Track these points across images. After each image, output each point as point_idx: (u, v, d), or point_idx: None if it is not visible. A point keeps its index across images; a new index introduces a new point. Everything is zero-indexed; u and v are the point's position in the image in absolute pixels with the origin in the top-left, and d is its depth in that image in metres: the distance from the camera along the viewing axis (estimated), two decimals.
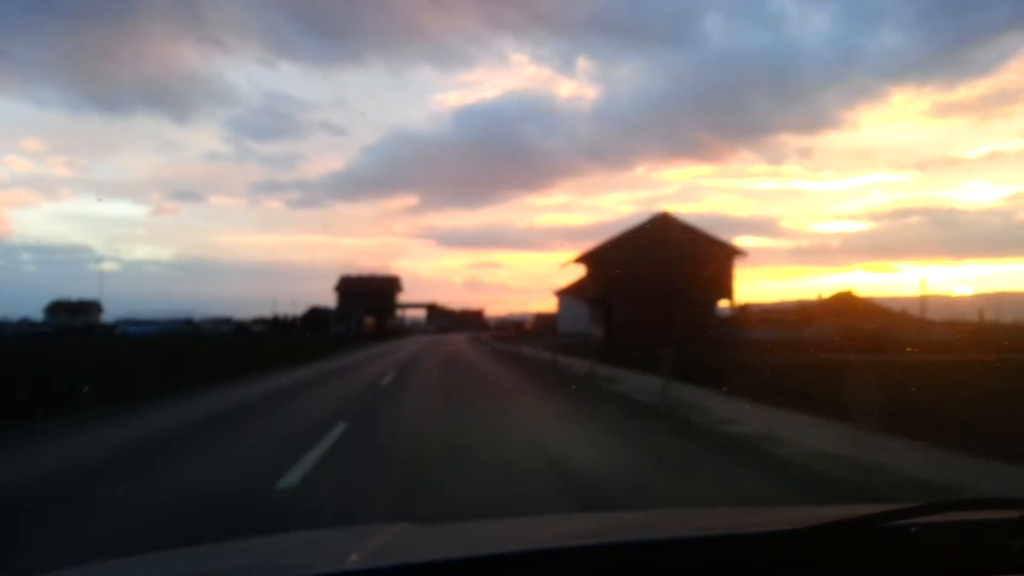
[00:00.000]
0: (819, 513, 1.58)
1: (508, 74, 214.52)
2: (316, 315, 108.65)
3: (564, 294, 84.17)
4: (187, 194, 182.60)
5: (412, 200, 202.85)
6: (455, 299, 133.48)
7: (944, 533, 1.29)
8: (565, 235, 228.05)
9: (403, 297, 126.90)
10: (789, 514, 1.87)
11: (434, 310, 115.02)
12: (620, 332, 40.68)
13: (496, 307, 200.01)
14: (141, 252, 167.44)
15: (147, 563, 1.68)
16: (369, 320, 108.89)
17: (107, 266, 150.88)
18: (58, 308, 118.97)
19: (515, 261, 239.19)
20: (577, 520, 2.73)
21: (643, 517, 2.36)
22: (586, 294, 50.57)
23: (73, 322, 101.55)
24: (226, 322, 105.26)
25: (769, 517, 1.86)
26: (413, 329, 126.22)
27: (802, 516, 1.56)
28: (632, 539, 1.44)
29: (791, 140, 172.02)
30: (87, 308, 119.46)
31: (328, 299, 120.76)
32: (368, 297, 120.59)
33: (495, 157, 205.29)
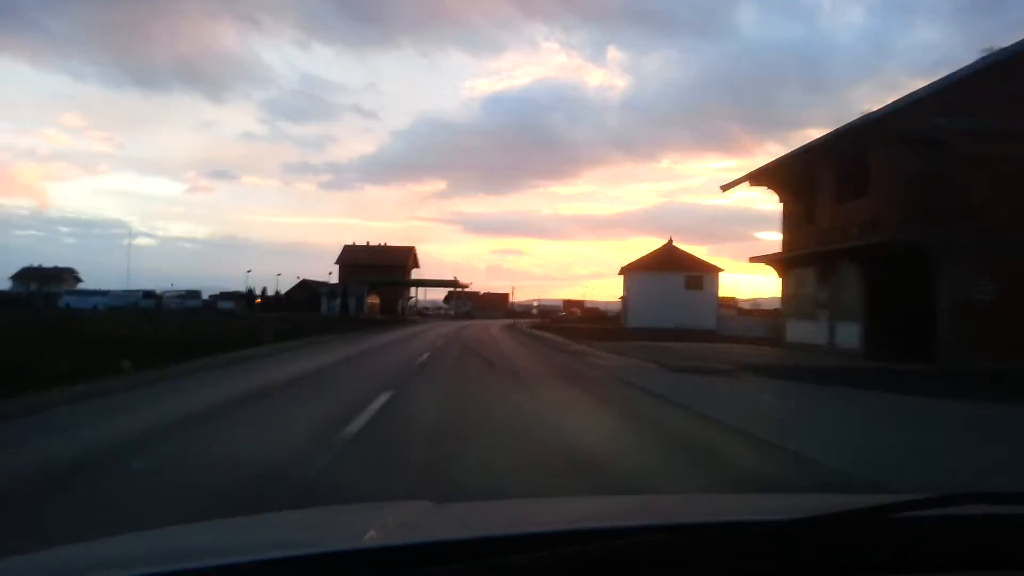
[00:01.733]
0: (833, 501, 1.75)
1: (538, 61, 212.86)
2: (304, 291, 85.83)
3: (641, 270, 60.83)
4: (222, 173, 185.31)
5: (440, 185, 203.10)
6: (478, 285, 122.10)
7: (958, 526, 1.29)
8: (588, 224, 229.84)
9: (421, 274, 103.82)
10: (799, 501, 2.03)
11: (455, 290, 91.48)
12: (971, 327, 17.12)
13: (518, 293, 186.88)
14: (176, 229, 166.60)
15: (164, 537, 1.69)
16: (373, 299, 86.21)
17: (143, 241, 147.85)
18: (27, 275, 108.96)
19: (538, 249, 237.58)
20: (594, 502, 2.54)
21: (659, 501, 2.49)
22: (810, 249, 26.04)
23: (43, 291, 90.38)
24: (193, 296, 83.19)
25: (779, 504, 1.94)
26: (429, 312, 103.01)
27: (814, 504, 1.69)
28: (648, 523, 1.47)
29: (818, 134, 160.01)
30: (61, 276, 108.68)
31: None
32: (375, 271, 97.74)
33: (522, 145, 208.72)
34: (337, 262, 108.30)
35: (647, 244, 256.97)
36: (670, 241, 62.16)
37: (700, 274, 59.29)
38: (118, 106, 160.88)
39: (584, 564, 1.09)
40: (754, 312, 66.35)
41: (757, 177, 24.05)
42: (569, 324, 67.44)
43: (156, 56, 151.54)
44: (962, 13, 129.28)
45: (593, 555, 1.11)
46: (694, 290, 58.91)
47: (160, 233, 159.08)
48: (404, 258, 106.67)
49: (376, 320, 61.91)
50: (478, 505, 2.27)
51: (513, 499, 3.65)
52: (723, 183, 25.48)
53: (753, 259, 26.51)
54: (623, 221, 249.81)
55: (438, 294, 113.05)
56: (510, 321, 79.14)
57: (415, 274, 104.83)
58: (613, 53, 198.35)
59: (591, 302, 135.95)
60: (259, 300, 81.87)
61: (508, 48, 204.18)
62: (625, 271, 63.53)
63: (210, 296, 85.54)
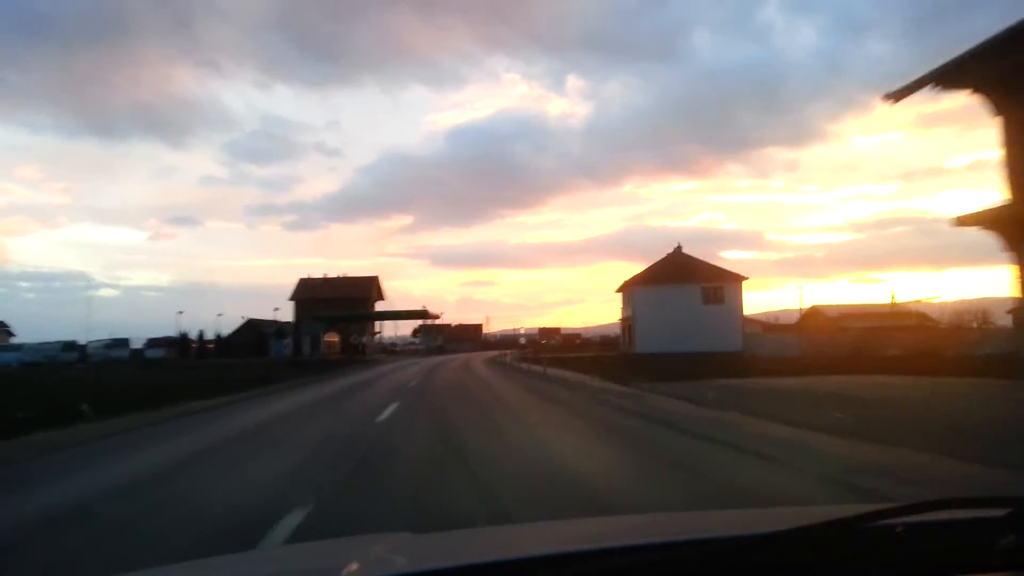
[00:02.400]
0: (810, 513, 1.69)
1: (500, 93, 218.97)
2: (250, 332, 74.52)
3: (647, 283, 50.95)
4: (184, 219, 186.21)
5: (406, 220, 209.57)
6: (448, 318, 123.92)
7: (933, 532, 1.31)
8: (556, 252, 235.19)
9: (388, 307, 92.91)
10: (779, 515, 2.03)
11: (425, 322, 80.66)
12: None
13: (490, 324, 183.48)
14: (139, 278, 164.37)
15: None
16: (331, 338, 75.23)
17: (106, 292, 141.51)
18: None
19: (507, 279, 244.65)
20: (575, 525, 2.56)
21: (636, 521, 2.46)
22: None
23: None
24: (120, 345, 71.50)
25: (759, 519, 1.92)
26: (397, 348, 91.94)
27: (792, 517, 1.69)
28: (627, 543, 1.46)
29: (777, 153, 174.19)
30: None
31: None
32: (335, 305, 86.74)
33: (488, 176, 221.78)
34: (292, 298, 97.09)
35: (615, 268, 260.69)
36: (678, 248, 52.44)
37: (719, 285, 49.51)
38: (75, 156, 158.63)
39: None
40: (778, 328, 56.72)
41: (950, 76, 14.18)
42: (562, 355, 57.23)
43: (114, 104, 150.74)
44: (912, 28, 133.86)
45: None
46: (713, 304, 49.11)
47: (123, 283, 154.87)
48: (366, 290, 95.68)
49: (332, 361, 51.10)
50: (457, 534, 2.23)
51: (492, 527, 3.60)
52: (888, 97, 15.37)
53: (961, 220, 16.13)
54: (590, 247, 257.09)
55: (407, 328, 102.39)
56: (494, 354, 68.68)
57: (380, 307, 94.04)
58: (573, 81, 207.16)
59: (568, 329, 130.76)
60: (194, 345, 70.23)
61: (470, 81, 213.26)
62: (627, 287, 53.60)
63: (97, 343, 74.05)
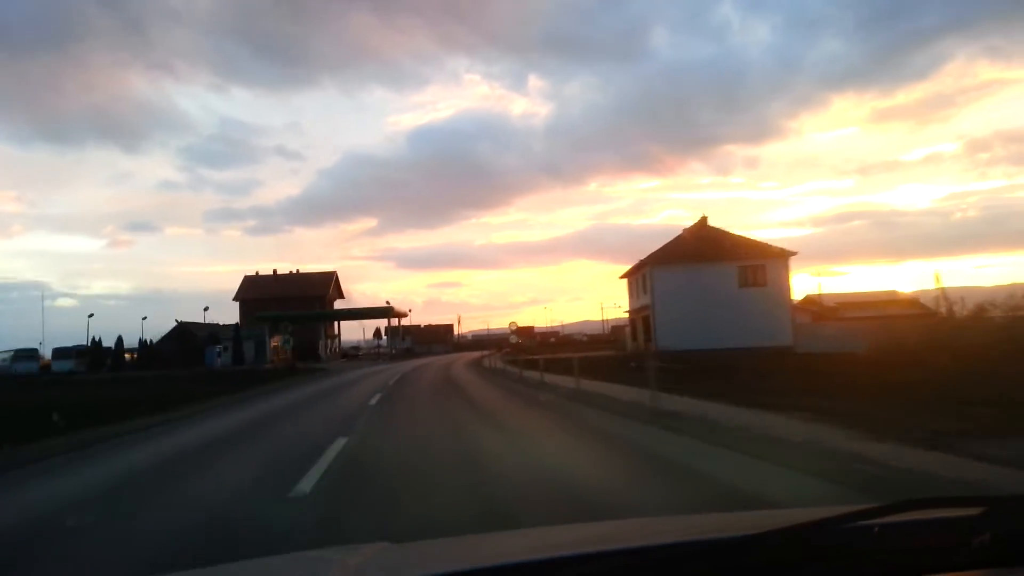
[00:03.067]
0: (790, 515, 1.72)
1: (461, 94, 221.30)
2: (180, 338, 62.97)
3: (669, 263, 41.04)
4: (142, 225, 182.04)
5: (371, 223, 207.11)
6: (416, 319, 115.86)
7: (908, 532, 1.31)
8: (523, 251, 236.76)
9: (348, 307, 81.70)
10: (759, 518, 2.03)
11: (391, 322, 69.70)
12: None
13: (461, 324, 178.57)
14: (98, 286, 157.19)
15: None
16: (276, 342, 64.07)
17: (64, 302, 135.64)
18: None
19: (475, 279, 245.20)
20: (554, 533, 2.44)
21: (616, 527, 2.43)
22: None
23: None
24: (28, 356, 59.62)
25: (738, 522, 1.98)
26: (360, 353, 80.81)
27: (771, 520, 1.64)
28: (606, 549, 1.47)
29: (737, 150, 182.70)
30: None
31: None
32: (288, 304, 75.41)
33: (451, 177, 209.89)
34: (236, 298, 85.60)
35: (582, 267, 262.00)
36: (704, 220, 42.57)
37: (760, 263, 39.71)
38: (28, 164, 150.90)
39: None
40: (824, 314, 47.04)
41: None
42: (554, 355, 47.12)
43: (66, 110, 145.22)
44: (864, 25, 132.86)
45: None
46: (754, 287, 39.27)
47: (81, 292, 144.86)
48: (323, 287, 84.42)
49: (271, 372, 40.17)
50: (435, 543, 2.14)
51: (471, 535, 3.40)
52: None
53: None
54: (556, 246, 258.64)
55: (373, 331, 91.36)
56: (474, 356, 58.22)
57: (341, 307, 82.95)
58: (534, 81, 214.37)
59: (540, 329, 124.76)
60: (130, 355, 58.44)
61: (431, 81, 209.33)
62: (640, 271, 43.63)
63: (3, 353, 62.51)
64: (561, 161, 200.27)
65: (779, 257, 39.45)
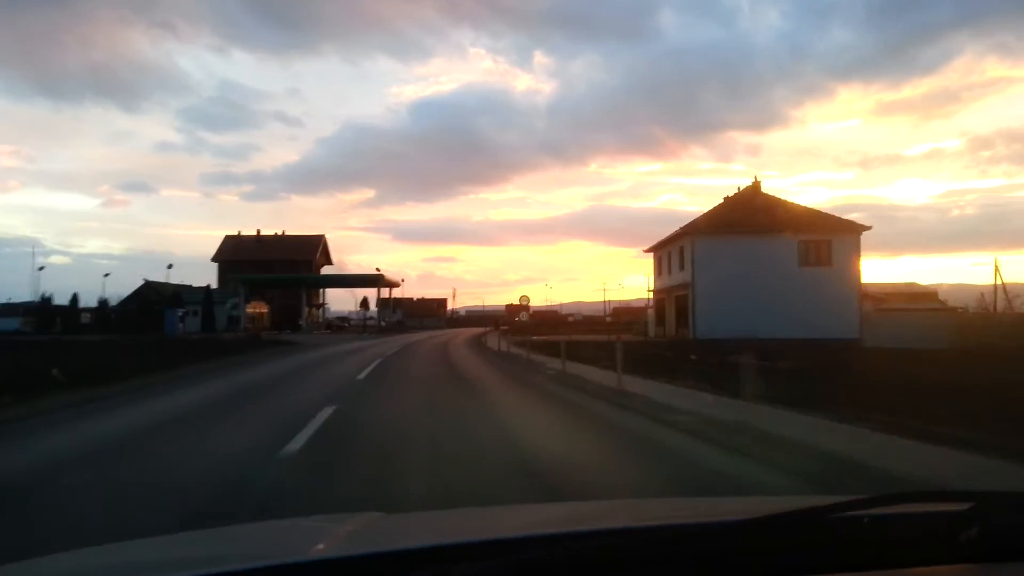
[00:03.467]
0: (778, 504, 1.73)
1: (465, 67, 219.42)
2: (140, 299, 56.27)
3: (716, 233, 34.50)
4: (138, 186, 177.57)
5: (368, 193, 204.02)
6: (410, 293, 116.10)
7: (896, 524, 1.31)
8: (520, 229, 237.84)
9: (336, 272, 74.95)
10: (749, 504, 2.06)
11: (380, 288, 63.00)
12: None
13: (456, 299, 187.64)
14: (92, 245, 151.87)
15: (115, 552, 1.65)
16: (258, 308, 57.62)
17: (57, 259, 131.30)
18: None
19: (470, 255, 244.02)
20: (544, 510, 2.60)
21: (608, 506, 2.43)
22: None
23: None
24: None
25: (728, 507, 1.98)
26: (348, 324, 74.17)
27: (761, 507, 1.69)
28: (595, 528, 1.50)
29: (740, 137, 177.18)
30: None
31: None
32: (272, 268, 68.78)
33: (451, 151, 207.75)
34: (215, 259, 78.77)
35: (578, 248, 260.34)
36: (757, 185, 36.01)
37: (826, 238, 33.23)
38: (27, 119, 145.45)
39: (532, 570, 1.09)
40: (882, 304, 40.58)
41: None
42: (557, 336, 41.13)
43: (66, 65, 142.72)
44: (875, 16, 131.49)
45: (540, 561, 1.11)
46: (816, 267, 32.86)
47: (75, 250, 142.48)
48: (310, 251, 77.58)
49: (235, 342, 33.56)
50: (427, 515, 2.17)
51: (463, 508, 3.37)
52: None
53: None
54: (553, 226, 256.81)
55: (364, 300, 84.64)
56: (473, 332, 51.89)
57: (328, 273, 76.21)
58: (539, 58, 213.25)
59: (538, 308, 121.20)
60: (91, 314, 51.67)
61: (435, 53, 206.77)
62: (675, 241, 37.18)
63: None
64: (562, 140, 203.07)
65: (848, 232, 32.85)
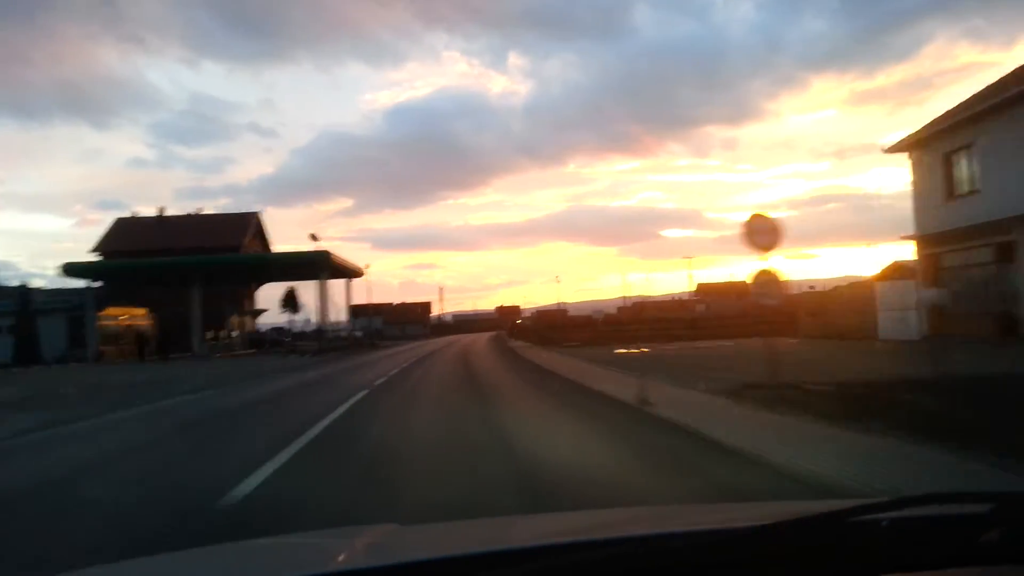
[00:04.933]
0: (796, 508, 1.73)
1: (440, 71, 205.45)
2: None
3: None
4: (112, 204, 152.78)
5: (346, 202, 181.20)
6: (389, 296, 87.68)
7: (916, 527, 1.31)
8: (499, 233, 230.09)
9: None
10: (767, 509, 2.00)
11: (325, 277, 40.10)
12: None
13: (435, 307, 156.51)
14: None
15: (130, 570, 1.66)
16: (133, 317, 35.01)
17: (34, 282, 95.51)
18: None
19: (451, 261, 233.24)
20: (559, 519, 2.48)
21: (623, 514, 2.39)
22: None
23: None
24: None
25: (746, 513, 1.95)
26: (280, 341, 50.49)
27: (779, 511, 1.68)
28: (612, 536, 1.49)
29: (716, 132, 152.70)
30: None
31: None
32: (159, 259, 45.66)
33: (429, 156, 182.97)
34: (98, 249, 55.52)
35: (559, 249, 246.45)
36: None
37: None
38: None
39: None
40: None
41: None
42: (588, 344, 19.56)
43: (34, 83, 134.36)
44: (848, 4, 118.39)
45: (559, 570, 1.11)
46: None
47: (50, 272, 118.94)
48: (236, 235, 54.28)
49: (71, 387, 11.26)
50: (443, 526, 2.19)
51: (478, 519, 3.30)
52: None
53: None
54: (533, 228, 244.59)
55: (340, 304, 61.60)
56: (480, 342, 29.99)
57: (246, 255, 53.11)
58: (514, 59, 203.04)
59: (528, 308, 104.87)
60: None
61: (409, 58, 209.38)
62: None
63: None
64: (539, 141, 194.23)
65: None
